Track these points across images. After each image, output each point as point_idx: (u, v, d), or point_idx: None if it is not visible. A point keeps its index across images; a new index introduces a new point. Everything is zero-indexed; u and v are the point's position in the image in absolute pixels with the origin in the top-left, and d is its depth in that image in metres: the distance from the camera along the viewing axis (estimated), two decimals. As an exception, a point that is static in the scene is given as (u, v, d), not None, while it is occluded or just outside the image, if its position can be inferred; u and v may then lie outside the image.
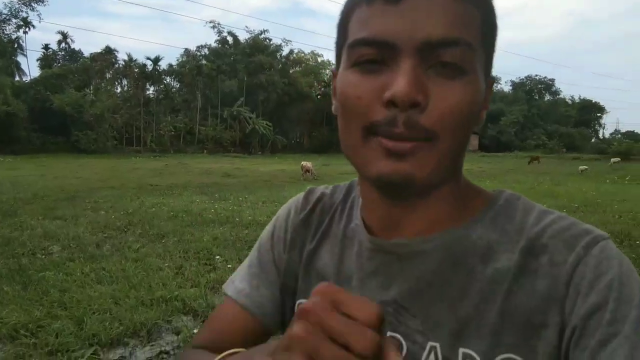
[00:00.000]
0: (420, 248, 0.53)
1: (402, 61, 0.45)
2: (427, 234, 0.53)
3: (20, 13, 34.24)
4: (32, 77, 40.12)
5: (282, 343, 0.34)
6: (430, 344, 0.50)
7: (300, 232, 0.66)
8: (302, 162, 17.40)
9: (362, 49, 0.47)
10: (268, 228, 0.71)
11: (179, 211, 8.28)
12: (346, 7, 0.50)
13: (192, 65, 46.57)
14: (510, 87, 76.04)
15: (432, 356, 0.50)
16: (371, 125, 0.47)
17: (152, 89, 47.91)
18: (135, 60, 45.63)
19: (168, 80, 49.63)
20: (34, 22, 37.42)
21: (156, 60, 46.25)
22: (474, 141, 61.60)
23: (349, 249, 0.60)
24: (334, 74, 0.54)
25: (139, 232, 6.63)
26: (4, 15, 33.17)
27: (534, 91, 75.51)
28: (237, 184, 13.99)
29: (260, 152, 44.50)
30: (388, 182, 0.47)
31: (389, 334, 0.53)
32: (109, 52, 45.64)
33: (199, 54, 49.56)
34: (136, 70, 44.78)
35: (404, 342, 0.52)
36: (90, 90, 40.36)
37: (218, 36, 47.70)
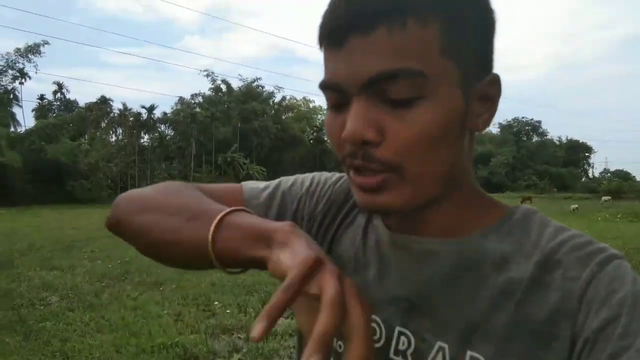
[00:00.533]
0: (436, 249, 0.54)
1: (352, 102, 0.47)
2: (443, 237, 0.55)
3: (17, 64, 34.97)
4: (27, 128, 40.51)
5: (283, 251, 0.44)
6: (439, 344, 0.51)
7: (338, 206, 0.67)
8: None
9: (327, 92, 0.50)
10: (305, 180, 0.71)
11: (175, 258, 8.30)
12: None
13: (186, 113, 47.37)
14: (498, 129, 77.70)
15: (439, 356, 0.51)
16: (343, 158, 0.50)
17: (146, 137, 48.44)
18: (130, 109, 46.31)
19: (162, 128, 50.32)
20: (30, 73, 38.05)
21: (151, 109, 47.02)
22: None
23: (368, 240, 0.62)
24: None
25: (137, 280, 6.66)
26: (1, 67, 33.85)
27: (522, 133, 77.17)
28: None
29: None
30: (368, 211, 0.52)
31: (399, 328, 0.54)
32: (104, 101, 46.38)
33: (193, 102, 50.50)
34: (131, 119, 45.40)
35: (412, 339, 0.53)
36: (85, 140, 40.83)
37: (212, 84, 48.76)
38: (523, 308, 0.48)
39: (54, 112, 48.46)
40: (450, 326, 0.50)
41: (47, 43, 35.58)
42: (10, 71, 34.37)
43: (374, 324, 0.55)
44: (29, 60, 34.67)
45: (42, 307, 5.18)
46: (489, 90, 0.51)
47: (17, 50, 33.84)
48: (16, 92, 38.14)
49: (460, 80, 0.48)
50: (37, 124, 40.14)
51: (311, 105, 59.72)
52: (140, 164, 43.40)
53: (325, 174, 0.71)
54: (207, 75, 49.51)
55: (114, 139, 46.41)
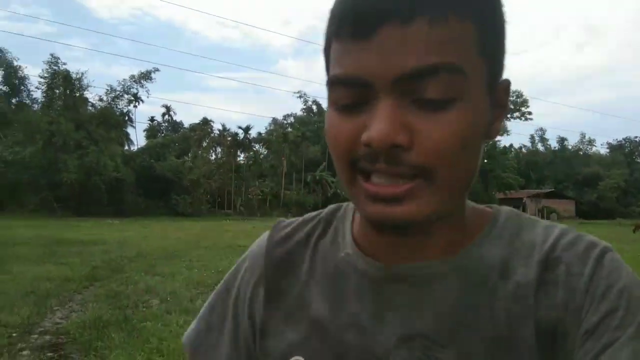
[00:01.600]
0: (439, 271, 0.50)
1: (379, 100, 0.42)
2: (442, 256, 0.51)
3: (132, 90, 38.87)
4: (139, 146, 44.72)
5: None
6: None
7: (278, 281, 0.57)
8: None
9: (339, 89, 0.44)
10: (234, 280, 0.61)
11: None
12: (327, 33, 0.47)
13: (278, 133, 49.46)
14: (607, 150, 71.27)
15: None
16: (353, 162, 0.45)
17: (242, 155, 51.39)
18: (229, 129, 49.65)
19: (257, 147, 52.97)
20: (143, 97, 42.06)
21: (247, 129, 49.88)
22: (570, 206, 57.67)
23: (346, 285, 0.54)
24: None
25: (227, 290, 7.08)
26: (118, 92, 37.84)
27: (635, 154, 69.96)
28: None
29: (342, 216, 45.02)
30: (384, 226, 0.45)
31: None
32: (205, 122, 50.06)
33: (285, 122, 52.53)
34: (229, 138, 48.43)
35: None
36: (188, 158, 44.19)
37: (304, 105, 50.29)
38: (538, 310, 0.47)
39: (162, 132, 53.12)
40: (476, 351, 0.47)
41: (157, 70, 39.32)
42: (125, 96, 38.24)
43: None
44: (142, 86, 38.48)
45: (144, 309, 5.71)
46: (503, 96, 0.49)
47: (132, 77, 37.81)
48: (130, 115, 42.33)
49: (488, 83, 0.45)
50: (147, 143, 44.14)
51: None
52: (236, 181, 45.88)
53: (247, 261, 0.61)
54: (300, 97, 51.21)
55: (213, 157, 49.73)
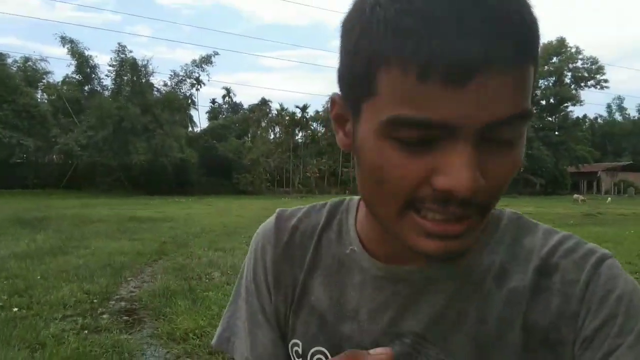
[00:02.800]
0: (436, 275, 0.51)
1: (459, 143, 0.38)
2: (439, 261, 0.51)
3: (193, 74, 40.18)
4: (201, 128, 46.39)
5: None
6: None
7: (283, 269, 0.60)
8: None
9: (409, 129, 0.39)
10: (247, 271, 0.64)
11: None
12: (369, 43, 0.40)
13: (336, 111, 49.40)
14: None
15: None
16: (413, 200, 0.42)
17: (300, 134, 52.03)
18: (286, 109, 50.31)
19: (314, 126, 53.37)
20: (204, 80, 43.35)
21: (304, 108, 50.33)
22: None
23: (349, 279, 0.55)
24: (334, 100, 0.49)
25: (283, 264, 7.47)
26: (181, 77, 39.29)
27: None
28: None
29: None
30: (435, 258, 0.44)
31: None
32: (264, 103, 51.09)
33: (342, 100, 52.27)
34: (287, 118, 49.16)
35: None
36: (248, 138, 45.46)
37: (360, 82, 49.68)
38: (530, 317, 0.47)
39: (223, 114, 54.64)
40: (463, 352, 0.49)
41: (217, 54, 40.23)
42: (188, 80, 39.62)
43: None
44: (203, 70, 39.59)
45: (207, 280, 6.18)
46: None
47: (194, 61, 38.86)
48: (193, 97, 43.83)
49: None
50: (209, 124, 45.81)
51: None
52: (294, 160, 46.67)
53: (255, 251, 0.63)
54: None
55: (272, 136, 50.71)
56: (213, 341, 0.65)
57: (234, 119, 47.87)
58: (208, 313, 4.58)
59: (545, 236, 0.51)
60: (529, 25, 0.38)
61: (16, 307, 4.65)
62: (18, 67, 35.97)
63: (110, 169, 32.65)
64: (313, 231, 0.61)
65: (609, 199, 33.12)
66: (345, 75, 0.45)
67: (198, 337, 3.97)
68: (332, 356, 0.53)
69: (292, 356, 0.58)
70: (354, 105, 0.45)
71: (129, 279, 6.32)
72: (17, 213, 13.97)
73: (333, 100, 0.49)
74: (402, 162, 0.40)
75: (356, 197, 0.60)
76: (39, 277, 5.91)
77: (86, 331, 4.10)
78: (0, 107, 31.03)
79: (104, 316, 4.60)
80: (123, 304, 5.12)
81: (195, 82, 41.66)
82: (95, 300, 5.08)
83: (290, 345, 0.58)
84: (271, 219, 0.64)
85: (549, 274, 0.48)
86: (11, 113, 31.13)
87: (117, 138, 31.46)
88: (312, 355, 0.56)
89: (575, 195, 32.53)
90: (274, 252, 0.61)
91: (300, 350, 0.57)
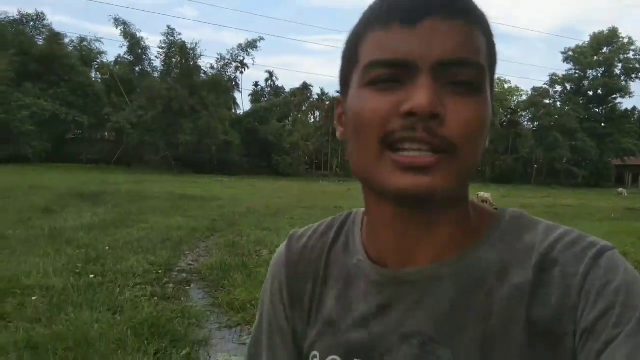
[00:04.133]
0: (437, 274, 0.53)
1: (419, 78, 0.46)
2: (441, 259, 0.53)
3: (239, 57, 40.84)
4: (244, 111, 47.18)
5: None
6: None
7: (296, 287, 0.63)
8: (479, 193, 16.64)
9: (379, 69, 0.48)
10: (265, 292, 0.68)
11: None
12: (355, 33, 0.53)
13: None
14: None
15: None
16: (386, 135, 0.47)
17: (340, 118, 51.93)
18: (327, 93, 50.40)
19: (354, 110, 53.12)
20: (249, 64, 43.96)
21: (345, 93, 50.13)
22: None
23: (355, 289, 0.58)
24: (338, 101, 0.58)
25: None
26: (227, 60, 40.02)
27: None
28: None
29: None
30: (408, 196, 0.47)
31: None
32: (305, 87, 51.33)
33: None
34: (327, 102, 49.27)
35: None
36: (289, 121, 46.03)
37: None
38: (532, 312, 0.48)
39: (266, 97, 55.31)
40: (471, 351, 0.50)
41: (262, 39, 40.73)
42: (233, 63, 40.33)
43: None
44: (248, 54, 40.21)
45: (257, 257, 6.62)
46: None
47: (240, 45, 39.63)
48: (237, 80, 44.59)
49: (491, 90, 0.52)
50: (252, 107, 46.47)
51: (506, 86, 55.87)
52: (333, 144, 46.89)
53: (271, 273, 0.68)
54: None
55: (312, 120, 51.02)
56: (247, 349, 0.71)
57: (275, 102, 48.42)
58: (262, 286, 5.02)
59: (546, 232, 0.52)
60: None
61: (92, 274, 5.23)
62: (74, 46, 37.73)
63: (158, 147, 33.94)
64: (323, 247, 0.64)
65: (655, 193, 31.66)
66: (341, 70, 0.57)
67: (254, 307, 4.38)
68: None
69: None
70: (344, 84, 0.55)
71: (186, 252, 6.88)
72: (75, 187, 14.96)
73: (338, 100, 0.59)
74: (374, 100, 0.48)
75: (362, 209, 0.63)
76: (107, 248, 6.52)
77: (156, 298, 4.60)
78: (58, 85, 32.74)
79: (170, 285, 5.12)
80: (184, 275, 5.63)
81: (240, 65, 42.34)
82: (160, 271, 5.61)
83: (310, 358, 0.60)
84: (284, 243, 0.69)
85: (550, 269, 0.49)
86: (68, 91, 32.82)
87: (165, 118, 32.66)
88: None
89: (620, 189, 31.43)
90: (287, 272, 0.65)
91: None
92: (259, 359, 0.67)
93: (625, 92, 50.98)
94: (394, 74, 0.48)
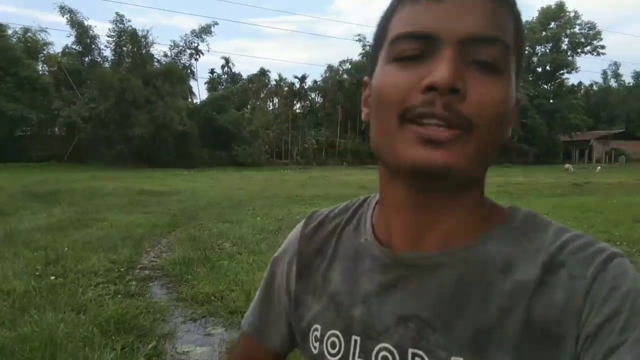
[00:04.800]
0: (441, 261, 0.53)
1: (442, 52, 0.46)
2: (447, 247, 0.53)
3: (193, 44, 39.92)
4: (201, 99, 46.40)
5: None
6: (453, 358, 0.49)
7: (307, 261, 0.66)
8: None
9: (404, 43, 0.48)
10: (276, 260, 0.72)
11: (319, 219, 9.62)
12: (385, 13, 0.54)
13: (334, 80, 49.39)
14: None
15: None
16: (406, 110, 0.47)
17: (298, 105, 52.04)
18: (285, 79, 50.19)
19: (313, 96, 53.34)
20: (204, 51, 43.08)
21: (302, 79, 50.21)
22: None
23: (361, 266, 0.59)
24: (365, 83, 0.58)
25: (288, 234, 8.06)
26: (181, 47, 39.07)
27: None
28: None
29: (398, 164, 45.20)
30: (422, 170, 0.47)
31: (412, 350, 0.52)
32: (262, 73, 50.82)
33: (340, 69, 52.16)
34: (285, 88, 49.10)
35: (426, 358, 0.51)
36: (247, 109, 45.54)
37: (363, 50, 49.26)
38: (532, 310, 0.48)
39: (222, 84, 54.42)
40: (464, 339, 0.50)
41: (216, 23, 40.01)
42: (187, 50, 39.41)
43: (386, 352, 0.54)
44: (203, 40, 39.38)
45: (219, 250, 6.74)
46: (516, 106, 0.53)
47: (193, 31, 38.77)
48: (192, 68, 43.60)
49: (516, 73, 0.51)
50: (209, 96, 45.75)
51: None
52: (293, 131, 46.87)
53: (285, 245, 0.72)
54: (359, 41, 50.03)
55: (270, 107, 50.71)
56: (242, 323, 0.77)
57: (233, 90, 47.76)
58: (225, 279, 5.19)
59: (556, 234, 0.52)
60: None
61: (53, 275, 5.25)
62: (18, 38, 35.77)
63: (113, 141, 32.98)
64: (337, 226, 0.67)
65: (599, 168, 33.46)
66: (370, 51, 0.58)
67: (219, 299, 4.58)
68: (344, 339, 0.58)
69: (311, 340, 0.63)
70: (373, 63, 0.55)
71: (148, 249, 6.93)
72: (28, 187, 14.53)
73: (364, 82, 0.59)
74: (397, 74, 0.49)
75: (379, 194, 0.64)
76: (66, 249, 6.50)
77: (120, 295, 4.70)
78: (3, 80, 31.10)
79: (133, 283, 5.19)
80: (147, 272, 5.71)
81: (194, 52, 41.45)
82: (122, 269, 5.66)
83: (311, 331, 0.62)
84: (302, 220, 0.72)
85: (556, 270, 0.49)
86: (14, 86, 31.22)
87: (118, 110, 31.66)
88: (328, 338, 0.60)
89: (567, 165, 32.96)
90: (299, 246, 0.68)
91: (318, 335, 0.61)
92: (253, 311, 0.74)
93: (572, 67, 52.72)
94: (418, 49, 0.48)
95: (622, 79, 70.59)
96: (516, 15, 0.50)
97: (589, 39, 53.11)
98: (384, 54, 0.51)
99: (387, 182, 0.57)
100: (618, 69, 70.28)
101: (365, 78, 0.59)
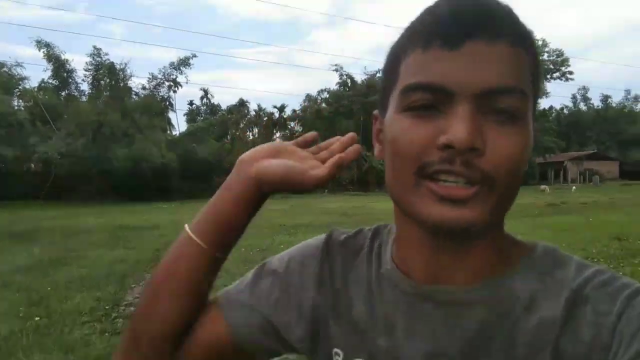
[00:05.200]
0: (466, 298, 0.52)
1: (458, 107, 0.45)
2: (470, 283, 0.53)
3: (172, 76, 39.97)
4: (180, 131, 46.05)
5: None
6: None
7: (327, 278, 0.63)
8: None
9: (417, 94, 0.47)
10: (294, 259, 0.68)
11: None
12: (395, 51, 0.52)
13: (312, 109, 50.03)
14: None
15: None
16: (424, 165, 0.46)
17: (278, 134, 52.39)
18: (264, 109, 50.73)
19: (292, 125, 53.86)
20: (182, 83, 43.14)
21: (282, 109, 50.85)
22: (613, 168, 55.93)
23: (382, 296, 0.58)
24: (375, 117, 0.58)
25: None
26: (159, 79, 39.14)
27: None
28: (353, 222, 15.18)
29: (377, 189, 45.67)
30: (444, 228, 0.46)
31: None
32: (242, 104, 51.44)
33: (319, 98, 52.92)
34: (265, 118, 49.56)
35: None
36: (227, 140, 45.59)
37: (340, 79, 50.14)
38: (560, 345, 0.47)
39: (202, 116, 54.55)
40: None
41: (195, 56, 40.19)
42: (166, 82, 39.50)
43: None
44: (181, 72, 39.53)
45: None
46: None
47: (172, 64, 38.74)
48: (171, 100, 43.59)
49: (533, 112, 0.50)
50: (188, 127, 45.54)
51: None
52: (274, 160, 46.83)
53: (307, 250, 0.69)
54: (336, 70, 50.91)
55: (250, 138, 50.94)
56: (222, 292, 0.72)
57: (212, 121, 47.71)
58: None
59: (579, 269, 0.51)
60: (507, 12, 0.47)
61: (37, 316, 5.19)
62: (-7, 73, 35.42)
63: (91, 177, 32.59)
64: (357, 250, 0.65)
65: (574, 188, 34.61)
66: (381, 87, 0.56)
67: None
68: None
69: None
70: (382, 102, 0.54)
71: (132, 285, 6.86)
72: (4, 226, 14.23)
73: (375, 116, 0.59)
74: (412, 127, 0.47)
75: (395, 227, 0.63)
76: (49, 289, 6.43)
77: (107, 334, 4.69)
78: (-23, 116, 30.61)
79: (119, 320, 5.17)
80: (132, 308, 5.66)
81: (173, 84, 41.60)
82: (107, 307, 5.63)
83: (333, 354, 0.61)
84: (323, 235, 0.69)
85: (581, 305, 0.48)
86: (-12, 123, 30.76)
87: (96, 145, 31.39)
88: None
89: (543, 186, 34.12)
90: (324, 258, 0.65)
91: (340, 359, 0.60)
92: (238, 288, 0.71)
93: (543, 92, 54.69)
94: (432, 100, 0.47)
95: (591, 102, 73.22)
96: (533, 53, 0.49)
97: (557, 65, 55.26)
98: (396, 99, 0.51)
99: (404, 223, 0.56)
100: (587, 93, 73.03)
101: (375, 112, 0.59)
